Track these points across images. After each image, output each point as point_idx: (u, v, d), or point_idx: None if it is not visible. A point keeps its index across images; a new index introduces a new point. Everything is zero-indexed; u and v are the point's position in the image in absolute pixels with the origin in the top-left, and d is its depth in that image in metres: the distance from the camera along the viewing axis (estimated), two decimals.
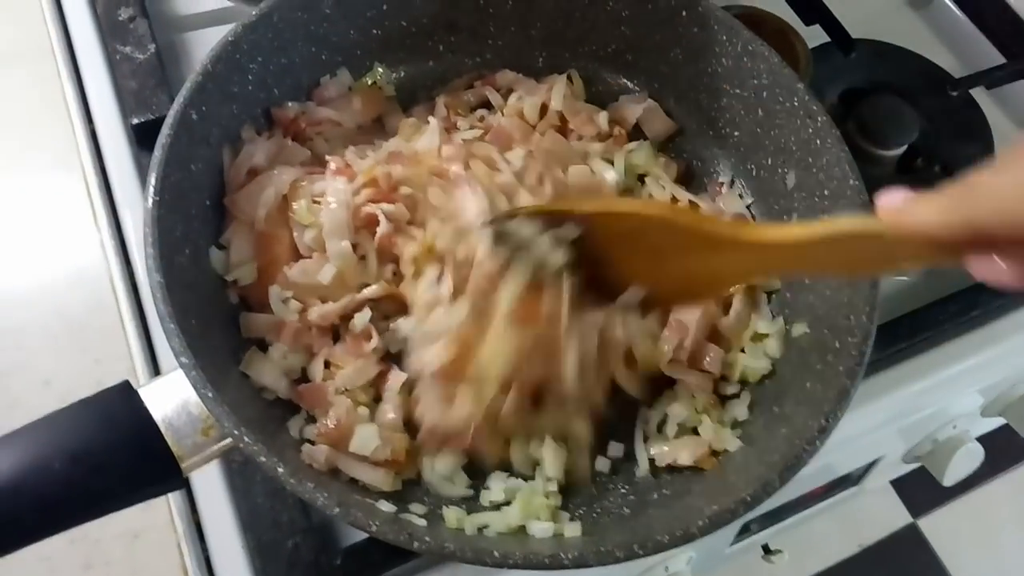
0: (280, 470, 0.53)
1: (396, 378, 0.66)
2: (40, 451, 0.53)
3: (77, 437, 0.54)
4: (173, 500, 0.69)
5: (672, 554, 0.84)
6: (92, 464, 0.53)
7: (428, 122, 0.77)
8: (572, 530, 0.62)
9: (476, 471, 0.66)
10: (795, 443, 0.60)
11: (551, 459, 0.66)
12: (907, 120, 0.90)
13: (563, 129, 0.81)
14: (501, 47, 0.85)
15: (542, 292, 0.63)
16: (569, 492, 0.66)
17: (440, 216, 0.69)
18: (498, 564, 0.54)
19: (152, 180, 0.61)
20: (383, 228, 0.68)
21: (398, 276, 0.70)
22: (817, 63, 0.91)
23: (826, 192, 0.72)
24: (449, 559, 0.54)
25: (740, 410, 0.70)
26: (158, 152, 0.63)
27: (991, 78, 0.98)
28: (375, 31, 0.80)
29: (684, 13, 0.78)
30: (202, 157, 0.68)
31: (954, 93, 0.95)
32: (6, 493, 0.51)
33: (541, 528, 0.61)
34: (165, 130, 0.64)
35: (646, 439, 0.69)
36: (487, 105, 0.82)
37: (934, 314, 0.82)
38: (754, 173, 0.79)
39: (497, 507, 0.64)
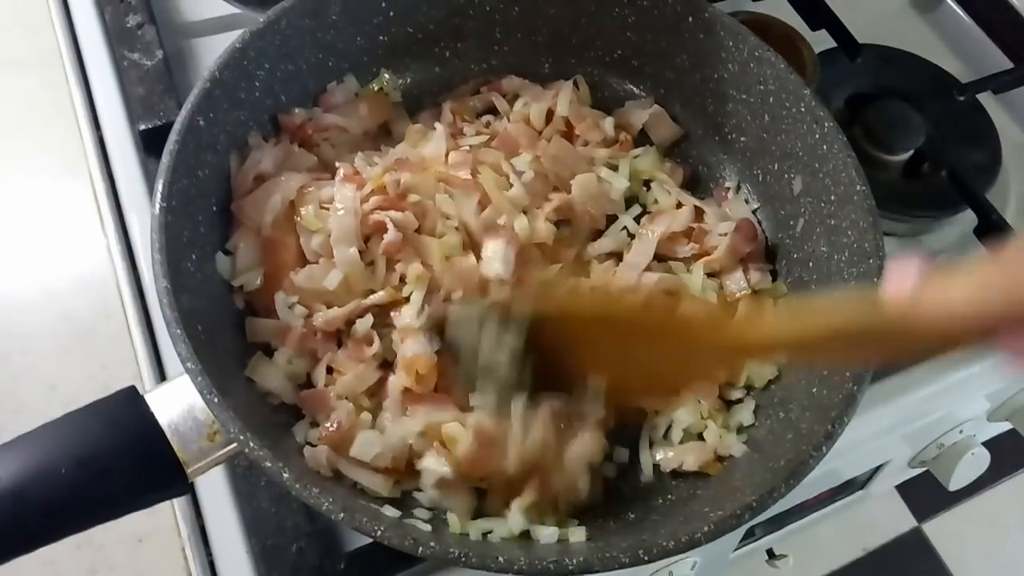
0: (285, 475, 0.53)
1: (395, 385, 0.66)
2: (46, 456, 0.53)
3: (83, 442, 0.54)
4: (178, 505, 0.70)
5: (677, 559, 0.84)
6: (97, 469, 0.53)
7: (434, 128, 0.78)
8: (577, 535, 0.62)
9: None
10: (801, 449, 0.60)
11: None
12: (913, 125, 0.90)
13: (569, 135, 0.81)
14: (507, 53, 0.85)
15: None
16: None
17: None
18: (503, 569, 0.54)
19: (159, 186, 0.62)
20: (391, 236, 0.68)
21: (403, 283, 0.70)
22: (823, 68, 0.91)
23: (833, 197, 0.72)
24: (454, 564, 0.54)
25: (746, 415, 0.70)
26: (166, 158, 0.63)
27: (998, 83, 0.98)
28: (381, 37, 0.81)
29: (690, 19, 0.79)
30: (209, 163, 0.68)
31: (961, 98, 0.95)
32: (12, 497, 0.51)
33: (546, 533, 0.61)
34: (173, 136, 0.64)
35: (651, 444, 0.69)
36: (493, 111, 0.83)
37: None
38: (760, 178, 0.79)
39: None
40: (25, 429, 0.54)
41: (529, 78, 0.84)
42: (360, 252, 0.68)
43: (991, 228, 0.85)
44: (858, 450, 0.82)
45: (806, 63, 0.90)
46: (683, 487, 0.67)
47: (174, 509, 0.70)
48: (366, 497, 0.62)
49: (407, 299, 0.68)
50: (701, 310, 0.65)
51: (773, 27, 0.92)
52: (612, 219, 0.78)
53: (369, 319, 0.68)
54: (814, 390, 0.66)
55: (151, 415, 0.56)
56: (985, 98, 0.96)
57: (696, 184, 0.83)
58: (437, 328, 0.62)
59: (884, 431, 0.81)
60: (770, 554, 1.12)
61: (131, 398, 0.56)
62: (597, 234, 0.77)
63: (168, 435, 0.56)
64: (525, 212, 0.73)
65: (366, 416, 0.65)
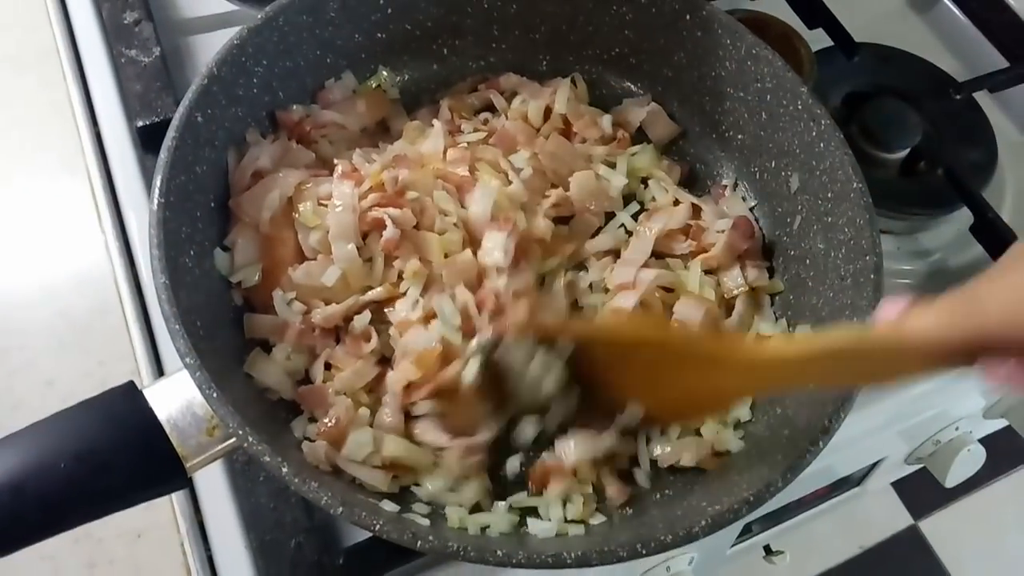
0: (284, 470, 0.54)
1: (393, 380, 0.66)
2: (45, 450, 0.53)
3: (82, 436, 0.54)
4: (176, 500, 0.70)
5: (674, 554, 0.84)
6: (96, 463, 0.53)
7: (432, 125, 0.78)
8: (575, 529, 0.62)
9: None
10: (798, 444, 0.60)
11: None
12: (910, 123, 0.90)
13: (567, 132, 0.81)
14: (505, 50, 0.85)
15: None
16: None
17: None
18: (501, 563, 0.54)
19: (157, 182, 0.62)
20: (389, 233, 0.68)
21: (401, 279, 0.70)
22: (821, 67, 0.91)
23: (829, 195, 0.72)
24: (452, 558, 0.54)
25: (743, 411, 0.70)
26: (163, 154, 0.63)
27: (994, 81, 0.99)
28: (379, 35, 0.81)
29: (688, 17, 0.79)
30: (207, 159, 0.68)
31: (957, 97, 0.95)
32: (11, 492, 0.52)
33: (543, 528, 0.61)
34: (171, 133, 0.64)
35: (649, 440, 0.69)
36: (491, 108, 0.83)
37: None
38: (757, 176, 0.80)
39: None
40: (22, 426, 0.54)
41: (527, 75, 0.84)
42: (358, 248, 0.68)
43: (987, 226, 0.86)
44: (854, 446, 0.83)
45: (803, 61, 0.90)
46: (680, 482, 0.67)
47: (173, 504, 0.70)
48: (364, 492, 0.62)
49: (405, 295, 0.68)
50: (719, 335, 0.72)
51: (771, 25, 0.93)
52: (610, 216, 0.79)
53: (367, 315, 0.68)
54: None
55: (150, 410, 0.56)
56: (981, 97, 0.97)
57: (693, 182, 0.83)
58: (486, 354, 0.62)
59: (880, 427, 0.82)
60: (767, 550, 1.12)
61: (130, 393, 0.57)
62: (595, 231, 0.78)
63: (167, 430, 0.56)
64: (523, 209, 0.73)
65: (364, 412, 0.65)
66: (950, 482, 1.00)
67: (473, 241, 0.71)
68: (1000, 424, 1.02)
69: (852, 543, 1.82)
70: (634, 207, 0.79)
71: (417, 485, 0.64)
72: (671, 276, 0.74)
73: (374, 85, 0.82)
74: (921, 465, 1.03)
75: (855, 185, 0.69)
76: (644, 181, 0.81)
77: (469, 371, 0.62)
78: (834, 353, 0.51)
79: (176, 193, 0.63)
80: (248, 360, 0.66)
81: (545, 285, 0.74)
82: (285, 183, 0.71)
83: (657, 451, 0.68)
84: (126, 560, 0.69)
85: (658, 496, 0.67)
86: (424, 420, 0.65)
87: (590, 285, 0.75)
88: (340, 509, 0.53)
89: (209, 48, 0.93)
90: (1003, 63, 1.02)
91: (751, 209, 0.80)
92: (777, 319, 0.74)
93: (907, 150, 0.90)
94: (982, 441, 0.99)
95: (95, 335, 0.78)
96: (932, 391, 0.82)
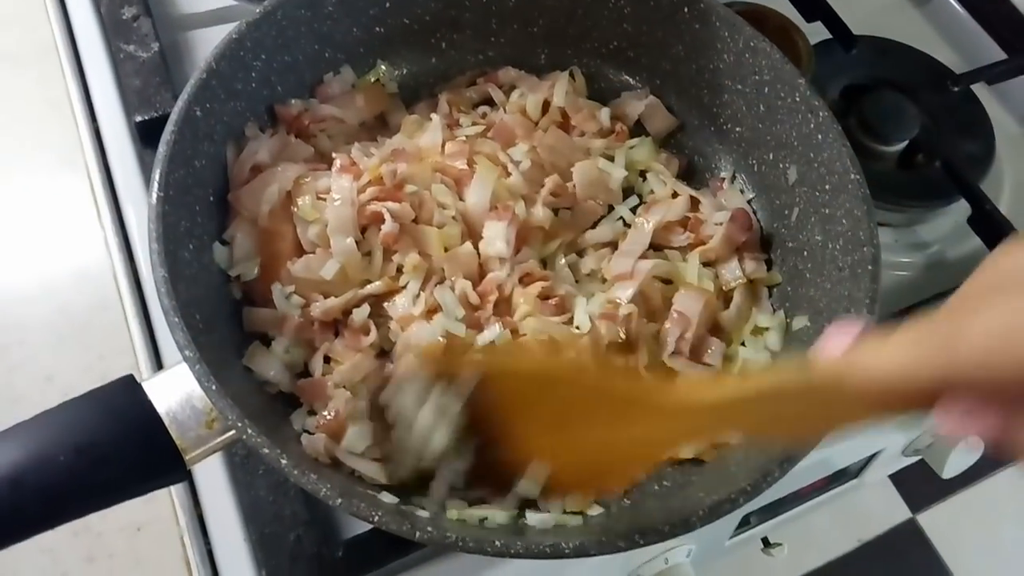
0: (283, 462, 0.54)
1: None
2: (44, 443, 0.53)
3: (81, 429, 0.54)
4: (176, 493, 0.70)
5: (672, 545, 0.85)
6: (96, 456, 0.54)
7: (431, 119, 0.78)
8: (573, 520, 0.62)
9: None
10: None
11: None
12: (908, 116, 0.91)
13: (565, 125, 0.81)
14: (503, 44, 0.85)
15: None
16: None
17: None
18: (499, 553, 0.54)
19: (156, 176, 0.62)
20: (388, 226, 0.68)
21: (400, 273, 0.70)
22: (819, 59, 0.91)
23: (827, 187, 0.72)
24: (451, 549, 0.54)
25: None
26: (162, 148, 0.63)
27: (992, 74, 0.99)
28: (378, 29, 0.81)
29: (686, 10, 0.79)
30: (206, 154, 0.68)
31: (955, 89, 0.95)
32: (10, 484, 0.52)
33: (541, 519, 0.62)
34: (169, 127, 0.64)
35: None
36: (489, 102, 0.83)
37: (934, 308, 0.82)
38: (755, 168, 0.80)
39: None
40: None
41: (525, 69, 0.84)
42: (357, 242, 0.69)
43: (985, 218, 0.86)
44: (851, 437, 0.83)
45: (801, 54, 0.90)
46: (679, 473, 0.67)
47: (172, 497, 0.70)
48: (364, 484, 0.62)
49: (404, 288, 0.68)
50: (640, 376, 0.65)
51: (769, 18, 0.93)
52: (609, 210, 0.79)
53: (366, 309, 0.68)
54: None
55: (149, 403, 0.56)
56: (979, 89, 0.97)
57: (692, 174, 0.83)
58: (372, 394, 0.60)
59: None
60: (765, 543, 1.13)
61: (129, 386, 0.57)
62: (594, 223, 0.78)
63: (166, 423, 0.56)
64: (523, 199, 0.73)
65: (363, 404, 0.65)
66: (947, 473, 1.00)
67: (473, 234, 0.72)
68: None
69: (850, 536, 1.82)
70: (633, 200, 0.79)
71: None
72: (668, 266, 0.74)
73: (372, 79, 0.82)
74: (919, 457, 1.03)
75: (853, 177, 0.70)
76: (642, 174, 0.81)
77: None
78: (769, 394, 0.44)
79: (175, 187, 0.63)
80: (247, 353, 0.66)
81: (548, 267, 0.74)
82: (284, 177, 0.71)
83: None
84: (126, 554, 0.69)
85: (656, 487, 0.67)
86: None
87: (588, 273, 0.75)
88: (339, 500, 0.54)
89: (207, 43, 0.93)
90: (1001, 55, 1.02)
91: (749, 201, 0.80)
92: (775, 310, 0.74)
93: (905, 142, 0.90)
94: None
95: (94, 330, 0.78)
96: None
